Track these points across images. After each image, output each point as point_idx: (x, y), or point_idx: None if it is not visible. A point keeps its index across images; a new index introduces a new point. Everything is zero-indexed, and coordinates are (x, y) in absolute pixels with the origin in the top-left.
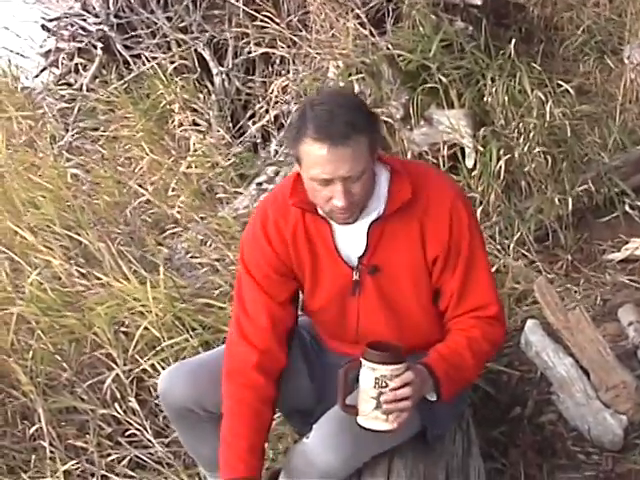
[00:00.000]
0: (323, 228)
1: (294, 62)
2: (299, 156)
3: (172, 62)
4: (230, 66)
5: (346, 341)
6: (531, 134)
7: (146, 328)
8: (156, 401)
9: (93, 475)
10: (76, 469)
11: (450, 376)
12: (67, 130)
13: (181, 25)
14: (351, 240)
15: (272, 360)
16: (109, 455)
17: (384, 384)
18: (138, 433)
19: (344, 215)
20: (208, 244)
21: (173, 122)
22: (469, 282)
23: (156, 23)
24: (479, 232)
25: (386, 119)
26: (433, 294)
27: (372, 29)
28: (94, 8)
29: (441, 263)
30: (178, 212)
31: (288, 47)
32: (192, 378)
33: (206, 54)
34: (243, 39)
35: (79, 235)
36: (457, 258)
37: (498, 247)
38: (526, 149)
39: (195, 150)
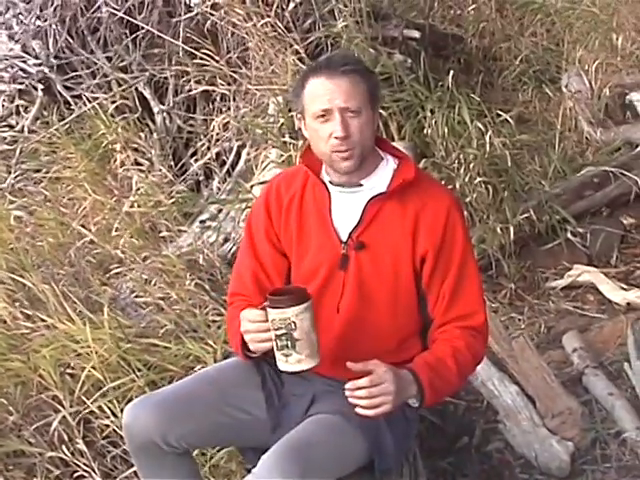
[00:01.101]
0: (322, 195)
1: (234, 99)
2: (303, 105)
3: (113, 102)
4: (171, 104)
5: (325, 330)
6: (472, 164)
7: (92, 369)
8: (103, 442)
9: None
10: None
11: (434, 384)
12: (9, 172)
13: (121, 64)
14: (346, 213)
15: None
16: None
17: (274, 327)
18: (86, 475)
19: (344, 154)
20: (152, 283)
21: (115, 162)
22: (461, 287)
23: (96, 63)
24: (470, 240)
25: None
26: (412, 299)
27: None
28: (34, 50)
29: (431, 262)
30: (122, 252)
31: (228, 84)
32: (157, 411)
33: (147, 93)
34: (183, 77)
35: (23, 277)
36: (450, 262)
37: None
38: (467, 179)
39: (138, 189)
